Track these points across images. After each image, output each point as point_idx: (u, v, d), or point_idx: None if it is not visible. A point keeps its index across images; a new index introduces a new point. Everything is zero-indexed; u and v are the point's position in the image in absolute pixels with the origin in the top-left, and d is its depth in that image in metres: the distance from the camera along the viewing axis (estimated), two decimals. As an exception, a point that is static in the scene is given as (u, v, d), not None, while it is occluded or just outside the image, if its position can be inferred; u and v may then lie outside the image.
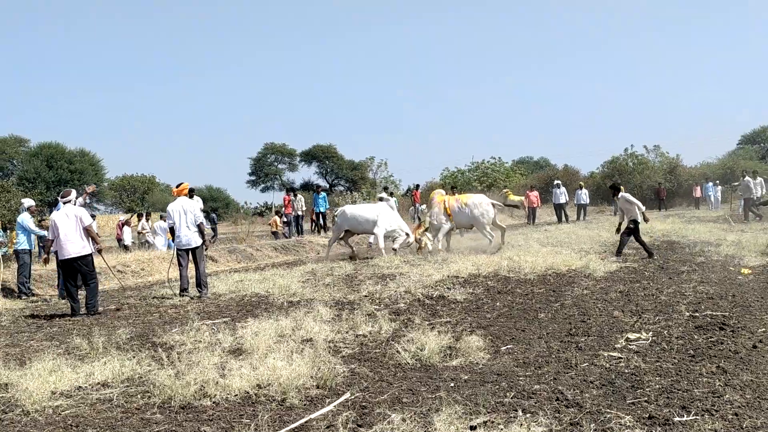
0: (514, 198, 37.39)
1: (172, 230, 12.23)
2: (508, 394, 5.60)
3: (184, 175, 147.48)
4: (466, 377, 6.22)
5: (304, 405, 5.54)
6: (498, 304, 9.92)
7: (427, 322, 8.61)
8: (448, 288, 11.21)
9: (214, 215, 35.94)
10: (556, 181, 33.51)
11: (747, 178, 26.45)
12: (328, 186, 72.30)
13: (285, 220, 27.69)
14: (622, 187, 15.93)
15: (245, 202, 73.27)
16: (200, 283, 11.90)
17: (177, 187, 12.49)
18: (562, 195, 31.25)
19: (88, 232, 10.90)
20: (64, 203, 11.14)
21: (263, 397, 5.72)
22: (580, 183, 33.88)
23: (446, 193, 19.55)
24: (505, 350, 7.22)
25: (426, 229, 18.01)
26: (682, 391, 5.52)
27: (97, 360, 6.98)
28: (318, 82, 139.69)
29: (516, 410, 5.15)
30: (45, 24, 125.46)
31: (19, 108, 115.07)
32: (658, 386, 5.66)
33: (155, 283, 15.50)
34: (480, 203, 17.87)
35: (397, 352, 7.05)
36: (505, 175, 54.25)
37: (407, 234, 18.14)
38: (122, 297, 12.59)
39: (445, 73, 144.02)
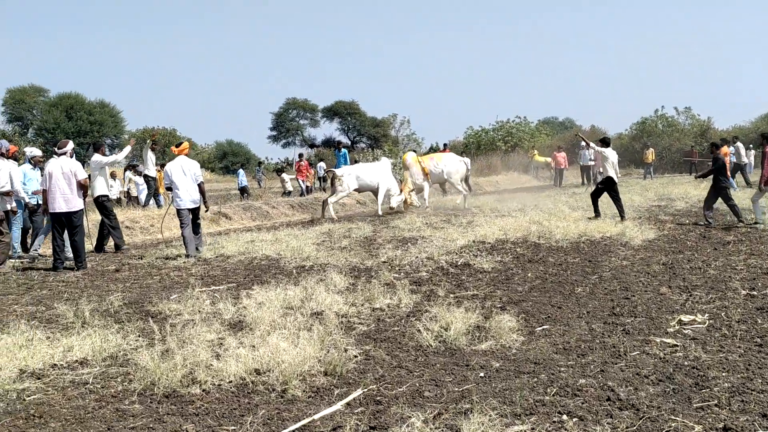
0: (540, 159, 36.35)
1: (169, 189, 11.43)
2: (548, 389, 4.72)
3: (206, 129, 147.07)
4: (497, 365, 5.35)
5: (309, 398, 4.71)
6: (530, 275, 9.01)
7: (452, 295, 7.74)
8: (474, 255, 10.32)
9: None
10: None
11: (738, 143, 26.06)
12: (349, 143, 71.27)
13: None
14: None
15: (266, 158, 72.44)
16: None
17: (177, 146, 11.67)
18: (590, 156, 30.02)
19: (81, 186, 10.29)
20: (60, 155, 10.45)
21: (261, 386, 4.88)
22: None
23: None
24: (540, 332, 6.33)
25: (411, 190, 19.10)
26: (757, 392, 4.61)
27: (79, 332, 6.19)
28: (342, 37, 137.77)
29: (560, 413, 4.28)
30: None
31: (39, 57, 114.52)
32: (727, 384, 4.75)
33: (165, 241, 14.74)
34: (451, 161, 20.01)
35: (418, 331, 6.17)
36: (530, 135, 53.01)
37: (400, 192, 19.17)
38: (125, 257, 11.83)
39: (471, 30, 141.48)
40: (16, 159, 12.24)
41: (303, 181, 26.51)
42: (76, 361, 5.56)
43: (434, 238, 12.13)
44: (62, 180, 10.32)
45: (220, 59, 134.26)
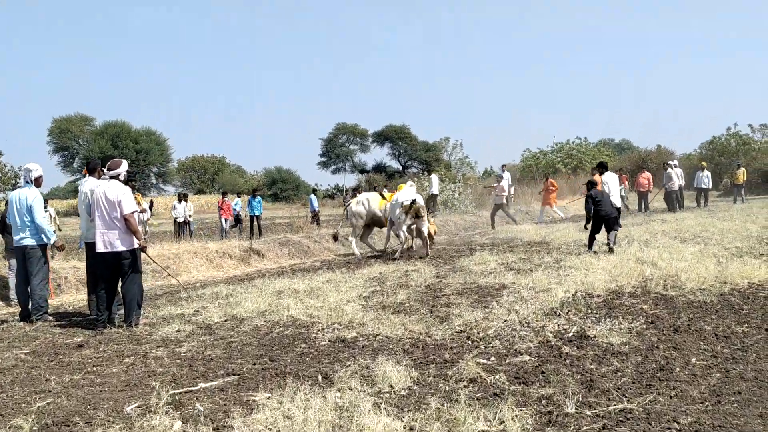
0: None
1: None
2: None
3: (255, 156, 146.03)
4: None
5: None
6: (693, 360, 5.77)
7: (588, 412, 4.57)
8: (588, 319, 7.12)
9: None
10: (672, 161, 28.12)
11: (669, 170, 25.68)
12: (401, 167, 68.64)
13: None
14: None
15: (316, 184, 70.03)
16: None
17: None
18: (677, 178, 26.17)
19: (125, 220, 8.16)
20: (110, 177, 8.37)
21: None
22: (702, 164, 28.92)
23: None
24: None
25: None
26: None
27: None
28: (391, 61, 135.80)
29: None
30: (111, 2, 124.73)
31: (85, 86, 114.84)
32: None
33: (171, 290, 11.79)
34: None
35: None
36: (591, 156, 49.69)
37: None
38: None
39: (523, 52, 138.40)
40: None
41: (226, 219, 24.53)
42: None
43: (521, 288, 8.98)
44: (105, 210, 8.06)
45: (269, 85, 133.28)
